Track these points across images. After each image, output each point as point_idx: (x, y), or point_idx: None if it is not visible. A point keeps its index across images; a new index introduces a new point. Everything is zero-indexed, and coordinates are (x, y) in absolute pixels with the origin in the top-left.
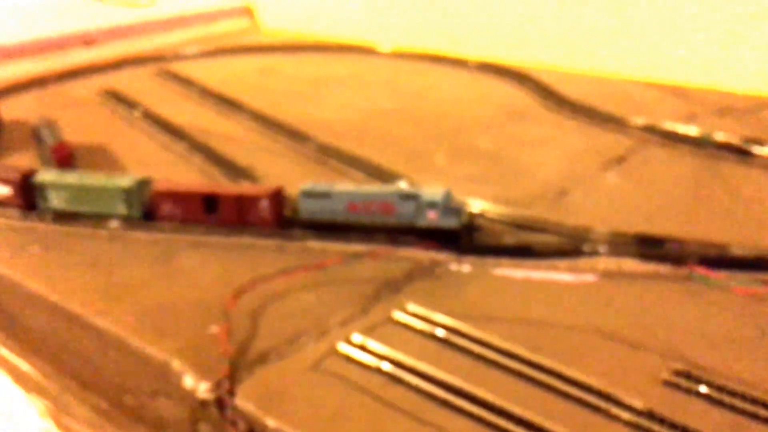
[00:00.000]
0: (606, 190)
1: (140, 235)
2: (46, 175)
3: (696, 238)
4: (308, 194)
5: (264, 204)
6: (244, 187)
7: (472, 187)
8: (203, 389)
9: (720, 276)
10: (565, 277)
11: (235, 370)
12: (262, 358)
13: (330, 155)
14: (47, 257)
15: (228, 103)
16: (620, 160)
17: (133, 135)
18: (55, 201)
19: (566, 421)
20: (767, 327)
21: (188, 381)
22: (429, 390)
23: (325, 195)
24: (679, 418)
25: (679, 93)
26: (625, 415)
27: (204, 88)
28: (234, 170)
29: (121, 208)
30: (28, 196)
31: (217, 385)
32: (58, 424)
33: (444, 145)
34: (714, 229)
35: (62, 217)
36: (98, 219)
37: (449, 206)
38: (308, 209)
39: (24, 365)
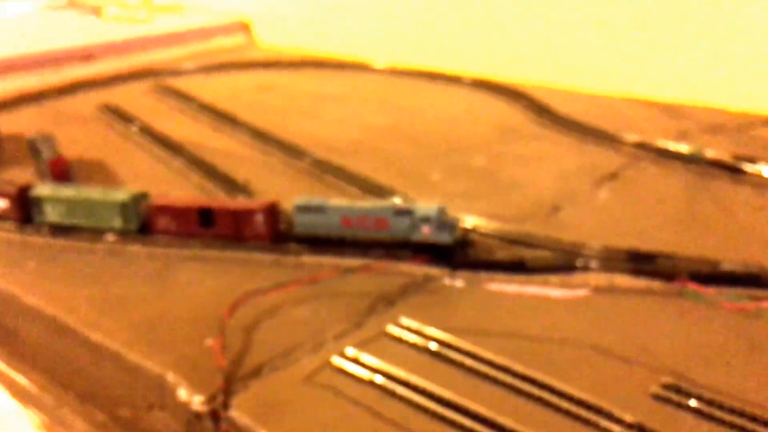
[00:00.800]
0: (598, 207)
1: (136, 249)
2: (43, 189)
3: (687, 254)
4: (303, 209)
5: (259, 218)
6: (240, 202)
7: (466, 202)
8: (198, 402)
9: (710, 291)
10: (558, 292)
11: (229, 383)
12: (257, 371)
13: (325, 171)
14: (44, 271)
15: (224, 119)
16: (613, 176)
17: (130, 150)
18: (52, 215)
19: None
20: (756, 342)
21: (183, 394)
22: (422, 403)
23: (319, 209)
24: (669, 431)
25: (671, 111)
26: (616, 429)
27: (201, 103)
28: (230, 185)
29: (118, 222)
30: (25, 209)
31: (211, 398)
32: None
33: (438, 161)
34: (705, 246)
35: (59, 230)
36: (95, 233)
37: (443, 222)
38: (303, 224)
39: (20, 378)
